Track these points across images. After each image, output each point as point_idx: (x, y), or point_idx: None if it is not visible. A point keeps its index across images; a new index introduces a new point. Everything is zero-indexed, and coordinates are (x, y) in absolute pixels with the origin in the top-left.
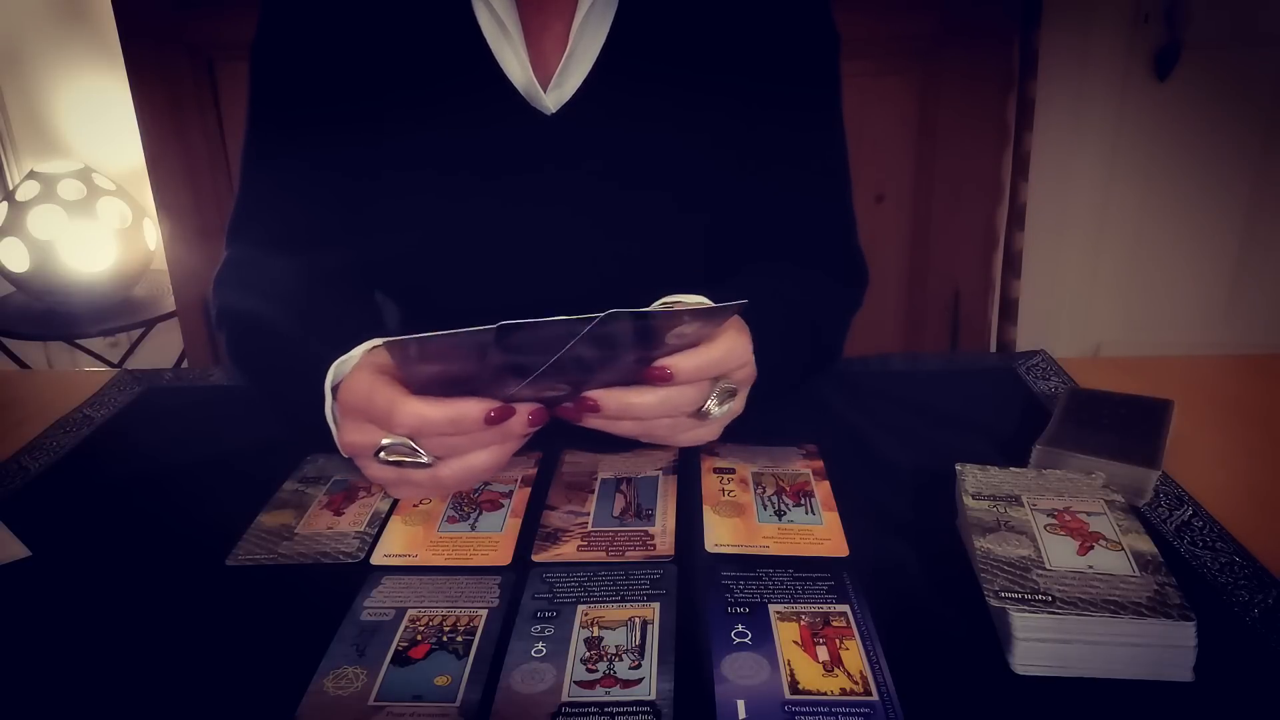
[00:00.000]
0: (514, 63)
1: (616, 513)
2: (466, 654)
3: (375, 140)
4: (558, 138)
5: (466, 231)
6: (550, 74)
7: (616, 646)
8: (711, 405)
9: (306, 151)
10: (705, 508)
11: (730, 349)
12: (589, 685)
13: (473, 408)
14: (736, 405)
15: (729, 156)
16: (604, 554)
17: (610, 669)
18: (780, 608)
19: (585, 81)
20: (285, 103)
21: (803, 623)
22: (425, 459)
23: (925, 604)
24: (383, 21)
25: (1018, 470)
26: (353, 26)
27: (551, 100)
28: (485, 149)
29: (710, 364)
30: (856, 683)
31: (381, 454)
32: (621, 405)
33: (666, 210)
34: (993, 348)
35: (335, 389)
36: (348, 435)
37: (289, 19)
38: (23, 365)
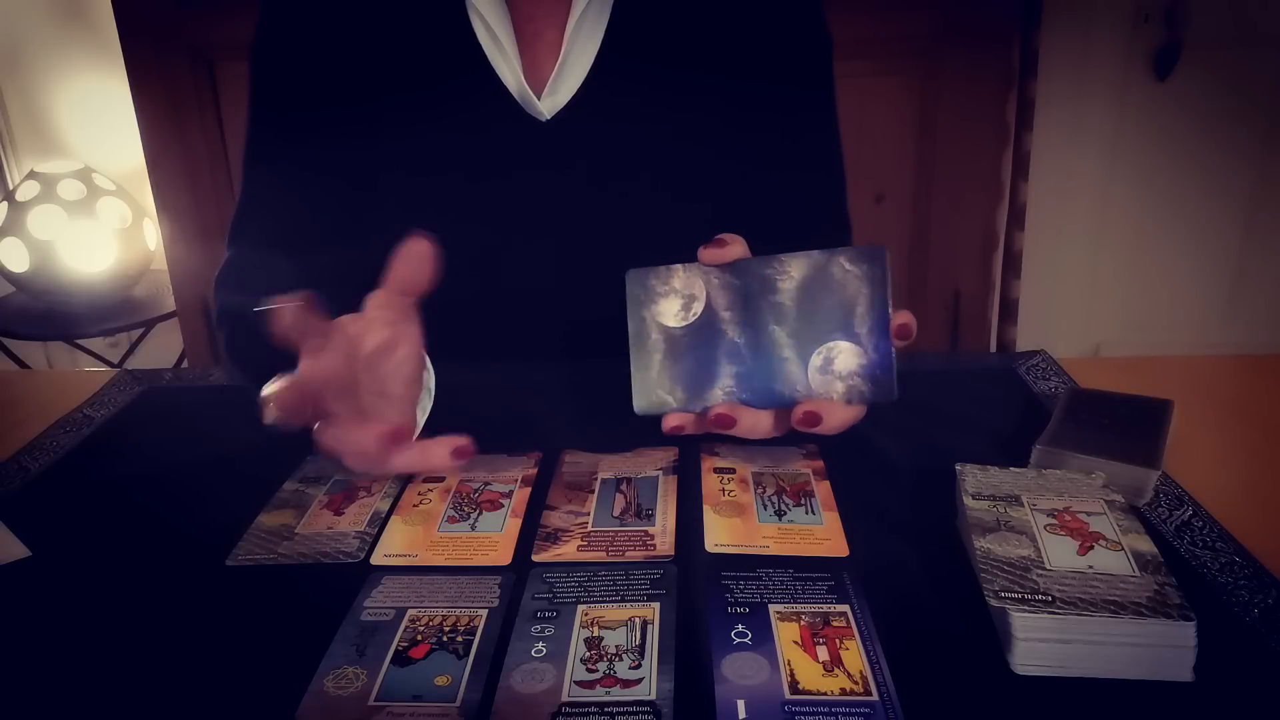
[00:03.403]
0: (507, 71)
1: (616, 513)
2: (466, 654)
3: (372, 144)
4: (552, 143)
5: (462, 235)
6: (544, 80)
7: (616, 646)
8: None
9: (304, 154)
10: (705, 508)
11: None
12: (589, 685)
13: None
14: None
15: (723, 161)
16: (604, 554)
17: (610, 669)
18: (780, 608)
19: (580, 88)
20: (282, 105)
21: (803, 623)
22: None
23: (925, 604)
24: (380, 26)
25: (1018, 470)
26: (350, 31)
27: (545, 107)
28: (481, 154)
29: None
30: (856, 683)
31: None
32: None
33: (661, 214)
34: (993, 348)
35: None
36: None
37: (286, 23)
38: (23, 365)
